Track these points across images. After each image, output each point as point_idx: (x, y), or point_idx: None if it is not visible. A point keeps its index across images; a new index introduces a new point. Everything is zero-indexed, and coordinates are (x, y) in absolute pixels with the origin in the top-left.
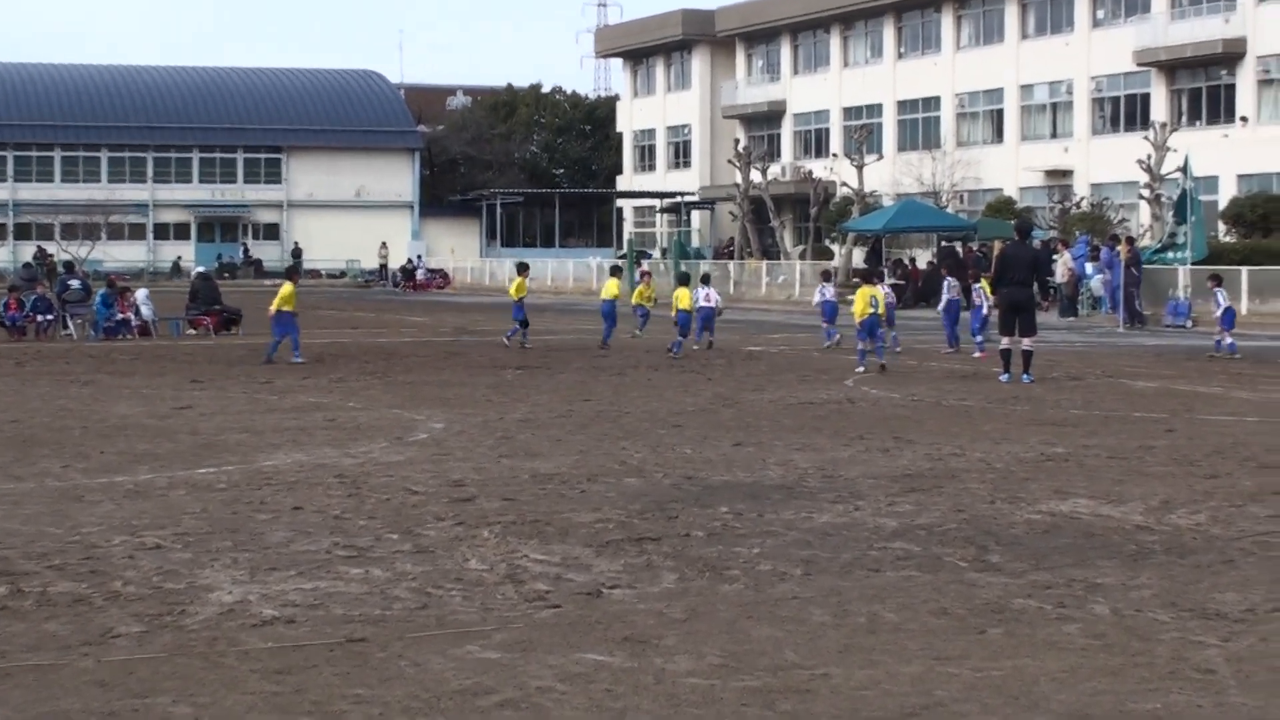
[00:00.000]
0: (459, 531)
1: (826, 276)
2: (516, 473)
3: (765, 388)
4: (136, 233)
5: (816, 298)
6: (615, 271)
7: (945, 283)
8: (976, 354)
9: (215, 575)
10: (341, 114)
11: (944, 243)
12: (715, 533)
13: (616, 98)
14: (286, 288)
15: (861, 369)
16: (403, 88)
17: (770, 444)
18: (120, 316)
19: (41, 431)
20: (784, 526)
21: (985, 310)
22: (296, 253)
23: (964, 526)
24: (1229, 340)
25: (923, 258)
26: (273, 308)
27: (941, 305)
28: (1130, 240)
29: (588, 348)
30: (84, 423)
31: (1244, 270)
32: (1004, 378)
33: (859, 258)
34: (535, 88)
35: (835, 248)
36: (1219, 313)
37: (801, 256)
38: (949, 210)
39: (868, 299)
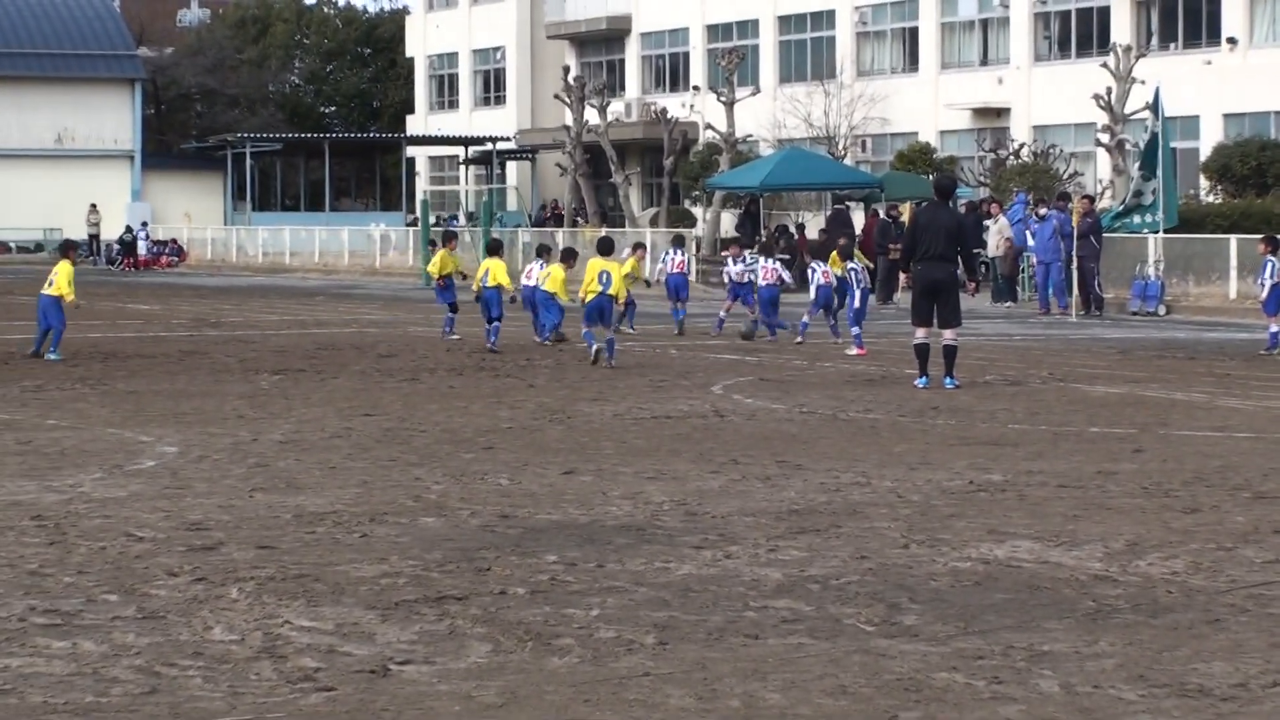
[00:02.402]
0: (199, 590)
1: (679, 243)
2: (276, 512)
3: (606, 396)
4: None
5: (719, 267)
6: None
7: (811, 269)
8: (852, 350)
9: None
10: (36, 32)
11: (840, 205)
12: (540, 589)
13: (405, 11)
14: (68, 268)
15: (593, 349)
16: None
17: (614, 471)
18: None
19: None
20: (632, 580)
21: (859, 297)
22: None
23: (869, 579)
24: (1274, 329)
25: (814, 224)
26: (68, 294)
27: (811, 296)
28: (1087, 200)
29: (368, 345)
30: None
31: (1232, 240)
32: (920, 382)
33: (729, 224)
34: None
35: (698, 211)
36: (1264, 293)
37: (653, 222)
38: (847, 162)
39: (596, 274)
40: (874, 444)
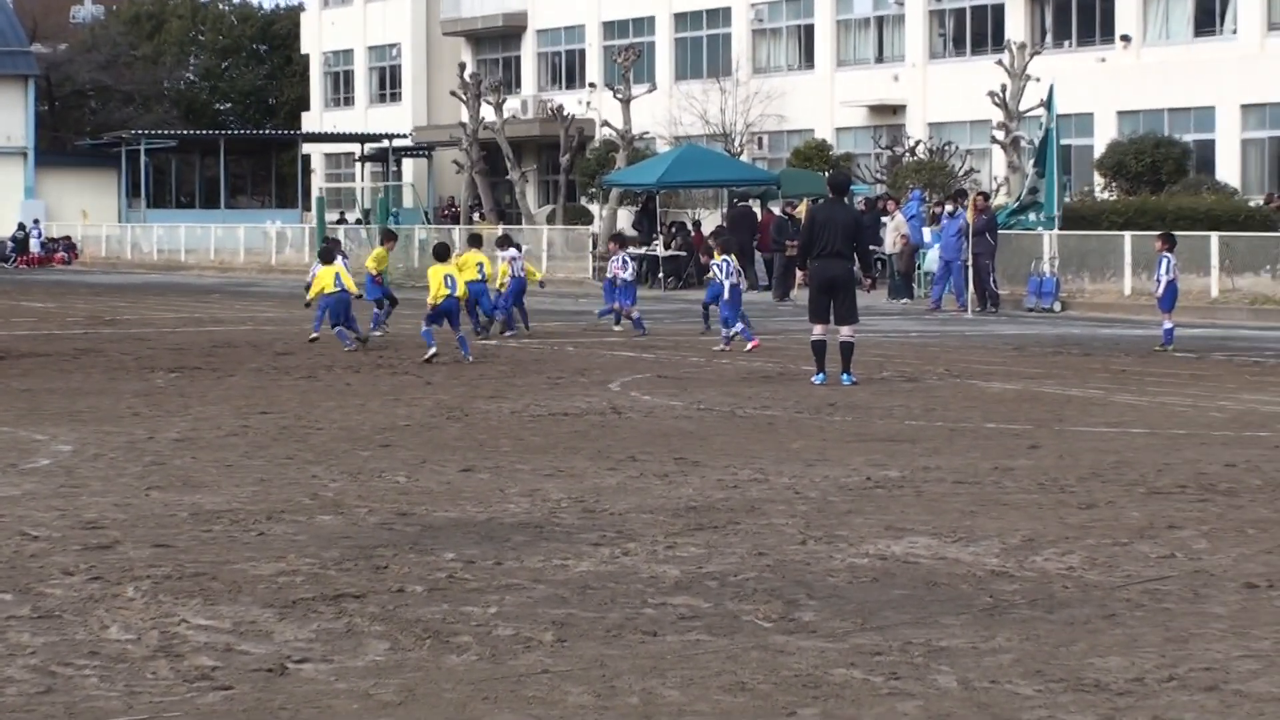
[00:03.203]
0: (94, 589)
1: (618, 245)
2: (172, 510)
3: (504, 394)
4: None
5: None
6: (475, 242)
7: (721, 264)
8: (722, 346)
9: None
10: None
11: (737, 201)
12: (439, 587)
13: (301, 8)
14: None
15: (434, 350)
16: None
17: (511, 469)
18: None
19: None
20: (530, 578)
21: (728, 291)
22: None
23: (767, 575)
24: (1168, 325)
25: (710, 221)
26: None
27: (725, 295)
28: (982, 197)
29: (265, 343)
30: None
31: (1127, 236)
32: (817, 379)
33: (625, 220)
34: None
35: (594, 208)
36: (1159, 289)
37: (550, 220)
38: (744, 159)
39: (442, 279)
40: (771, 441)
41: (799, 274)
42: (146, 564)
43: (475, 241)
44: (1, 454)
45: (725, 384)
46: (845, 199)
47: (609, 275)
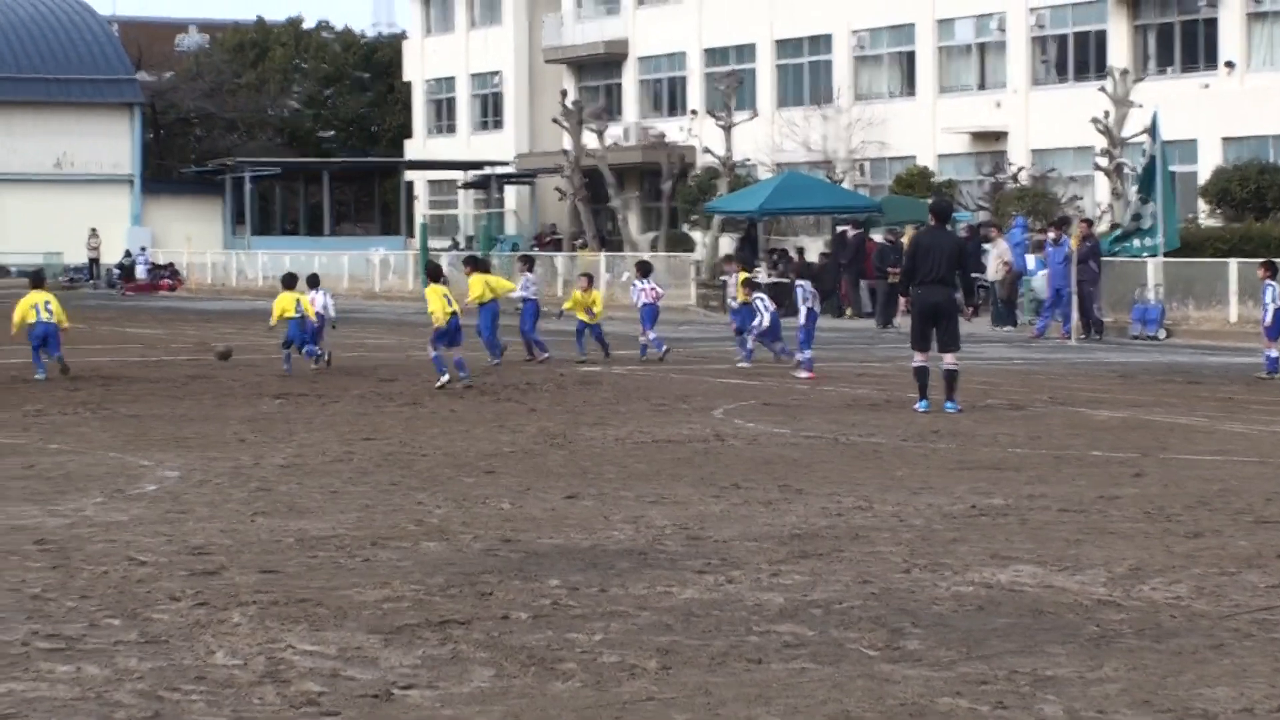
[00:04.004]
0: (201, 614)
1: (645, 271)
2: (278, 536)
3: (608, 421)
4: None
5: (634, 296)
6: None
7: (799, 290)
8: (742, 363)
9: None
10: (35, 57)
11: (842, 228)
12: (543, 614)
13: (403, 36)
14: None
15: (444, 379)
16: (117, 22)
17: (616, 496)
18: None
19: None
20: (635, 605)
21: (765, 321)
22: None
23: (872, 603)
24: (1272, 353)
25: (813, 248)
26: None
27: (801, 317)
28: (1086, 224)
29: (370, 369)
30: None
31: (1232, 263)
32: (921, 406)
33: (728, 248)
34: (295, 23)
35: (696, 235)
36: (1267, 317)
37: (652, 246)
38: (845, 185)
39: (443, 298)
40: (876, 468)
41: (901, 301)
42: (253, 589)
43: (482, 266)
44: (109, 479)
45: (830, 411)
46: (947, 225)
47: (730, 297)
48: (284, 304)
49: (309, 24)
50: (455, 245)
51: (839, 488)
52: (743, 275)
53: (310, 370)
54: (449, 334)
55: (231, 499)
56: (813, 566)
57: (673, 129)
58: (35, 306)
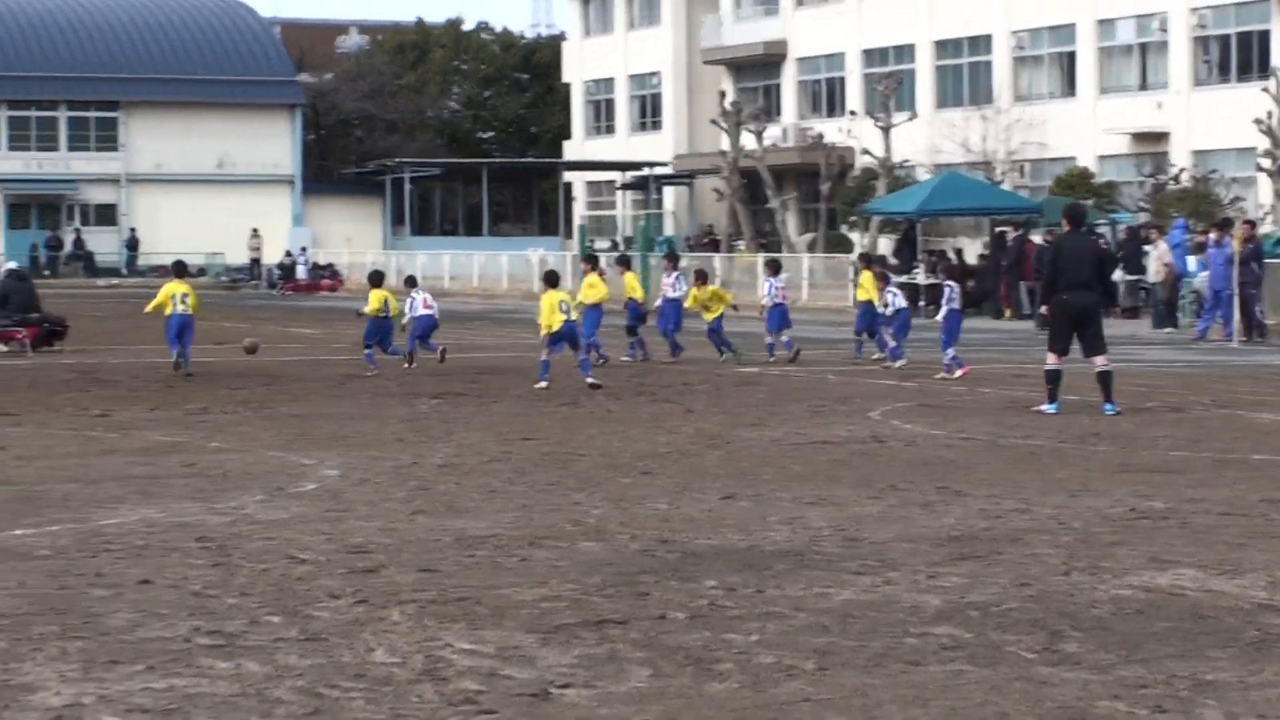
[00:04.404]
0: (360, 612)
1: (775, 269)
2: (436, 535)
3: (765, 422)
4: None
5: (767, 295)
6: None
7: (946, 289)
8: (891, 364)
9: (38, 670)
10: (198, 58)
11: (1001, 229)
12: (700, 614)
13: (562, 37)
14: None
15: (544, 384)
16: (278, 24)
17: (773, 497)
18: None
19: None
20: (791, 606)
21: (889, 312)
22: (133, 244)
23: (1030, 606)
24: None
25: (972, 249)
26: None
27: (941, 315)
28: (1249, 226)
29: (528, 369)
30: None
31: None
32: (1050, 408)
33: (886, 248)
34: (454, 24)
35: (855, 236)
36: None
37: (810, 247)
38: (1005, 186)
39: (556, 304)
40: (1035, 470)
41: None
42: (412, 588)
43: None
44: (271, 478)
45: (987, 412)
46: (1083, 229)
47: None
48: (376, 301)
49: (468, 25)
50: (614, 245)
51: (997, 490)
52: (865, 274)
53: (404, 369)
54: (564, 338)
55: (391, 498)
56: (970, 568)
57: (831, 130)
58: (173, 297)
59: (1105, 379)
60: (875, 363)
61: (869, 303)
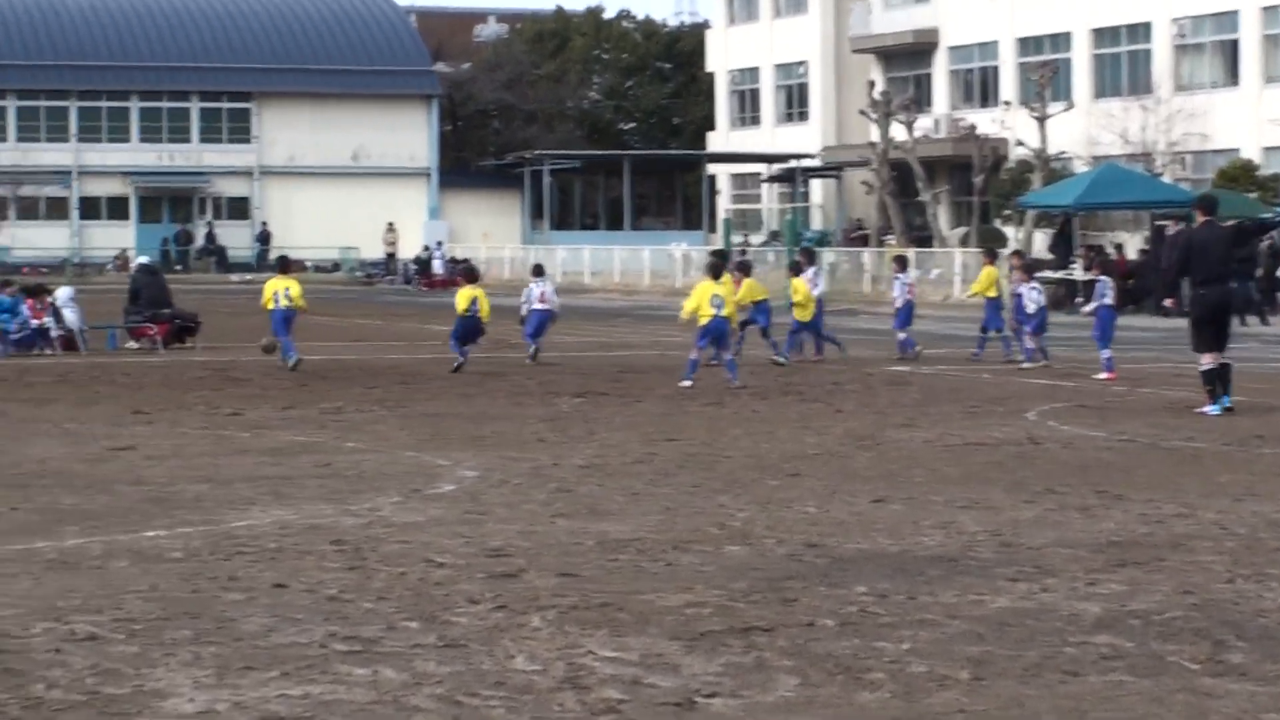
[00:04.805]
0: (500, 618)
1: (902, 265)
2: (578, 538)
3: (917, 423)
4: (56, 210)
5: (897, 292)
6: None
7: (1098, 285)
8: (1027, 364)
9: (171, 676)
10: (332, 49)
11: (1162, 224)
12: (850, 621)
13: (706, 26)
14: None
15: (688, 383)
16: (415, 13)
17: (925, 500)
18: (35, 324)
19: None
20: (945, 613)
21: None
22: (264, 237)
23: (1193, 614)
24: None
25: (1132, 244)
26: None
27: (1090, 308)
28: None
29: (672, 368)
30: None
31: None
32: (1214, 409)
33: (1042, 243)
34: (595, 13)
35: (1009, 230)
36: None
37: (963, 242)
38: (1165, 179)
39: (709, 297)
40: (1197, 473)
41: (1168, 302)
42: (552, 593)
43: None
44: (407, 479)
45: (1147, 414)
46: (1218, 220)
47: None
48: (464, 300)
49: (609, 13)
50: (746, 242)
51: (1158, 494)
52: (987, 269)
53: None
54: (712, 334)
55: (531, 500)
56: (1131, 575)
57: (984, 121)
58: (276, 292)
59: (1228, 371)
60: (1009, 363)
61: (994, 299)
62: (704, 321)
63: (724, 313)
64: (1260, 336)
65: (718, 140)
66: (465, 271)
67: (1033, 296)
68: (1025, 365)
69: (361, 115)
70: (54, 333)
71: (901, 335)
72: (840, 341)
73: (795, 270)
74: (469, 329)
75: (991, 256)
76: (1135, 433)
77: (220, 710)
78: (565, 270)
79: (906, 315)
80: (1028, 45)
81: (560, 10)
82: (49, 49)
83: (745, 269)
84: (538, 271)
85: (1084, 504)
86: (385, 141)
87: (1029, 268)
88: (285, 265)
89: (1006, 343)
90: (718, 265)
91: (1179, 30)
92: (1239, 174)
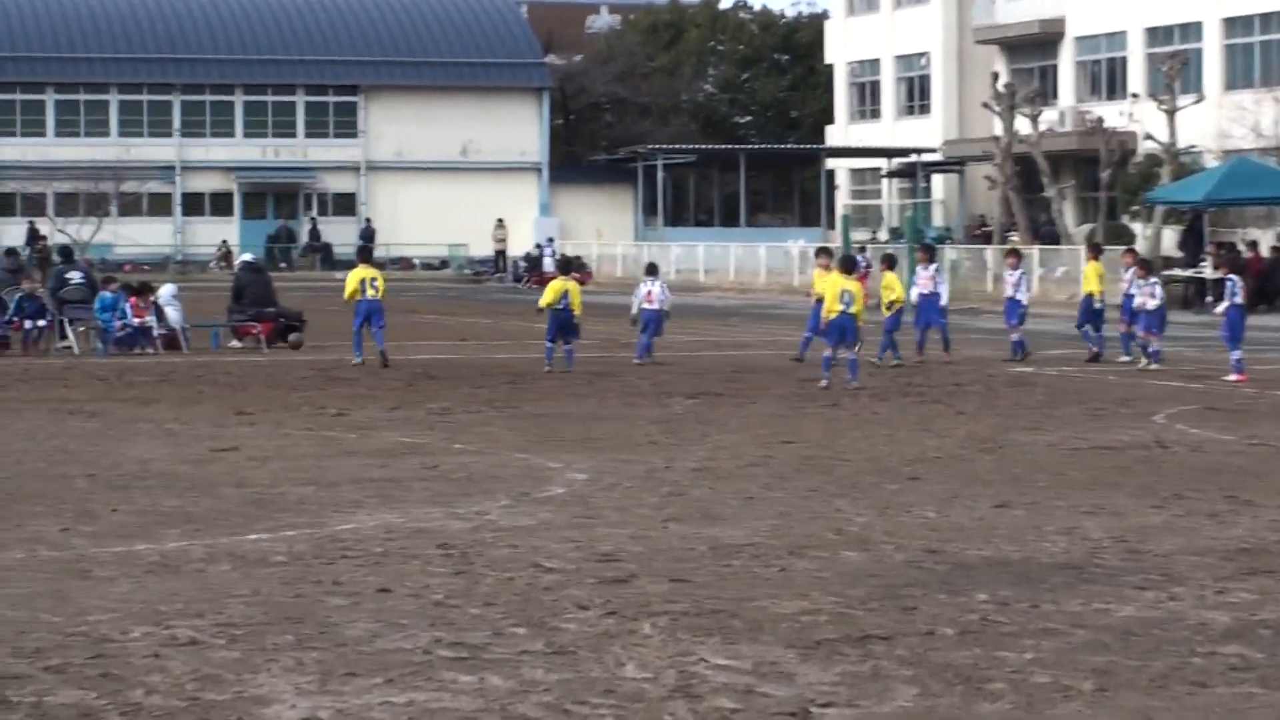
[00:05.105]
0: (610, 625)
1: (1016, 259)
2: (690, 543)
3: (1041, 426)
4: (159, 206)
5: (1010, 290)
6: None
7: (1228, 284)
8: (1149, 364)
9: (273, 682)
10: (441, 40)
11: None
12: (970, 629)
13: (825, 16)
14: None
15: (824, 383)
16: (525, 4)
17: (1049, 505)
18: (138, 323)
19: (31, 481)
20: (1069, 622)
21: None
22: (368, 234)
23: None
24: None
25: (1265, 240)
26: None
27: (1221, 308)
28: None
29: (788, 369)
30: (89, 469)
31: None
32: None
33: (1171, 241)
34: (710, 3)
35: (1137, 227)
36: None
37: (1089, 239)
38: None
39: (838, 293)
40: None
41: None
42: (664, 599)
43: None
44: (516, 482)
45: None
46: None
47: (1137, 303)
48: (552, 294)
49: (725, 4)
50: (873, 238)
51: None
52: (1091, 265)
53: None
54: (840, 330)
55: (642, 504)
56: (1262, 584)
57: (1111, 113)
58: (363, 282)
59: None
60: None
61: (1090, 296)
62: (831, 317)
63: (852, 310)
64: None
65: (836, 134)
66: (559, 264)
67: (1151, 294)
68: (1149, 366)
69: (471, 109)
70: (156, 331)
71: (1013, 336)
72: (896, 346)
73: (889, 264)
74: (562, 324)
75: (1096, 252)
76: (1267, 436)
77: (323, 717)
78: (679, 268)
79: (1017, 311)
80: (1157, 35)
81: (675, 1)
82: (152, 42)
83: (891, 263)
84: (650, 270)
85: (1213, 510)
86: (495, 135)
87: (1144, 265)
88: (368, 255)
89: (1125, 341)
90: (851, 260)
91: None
92: None
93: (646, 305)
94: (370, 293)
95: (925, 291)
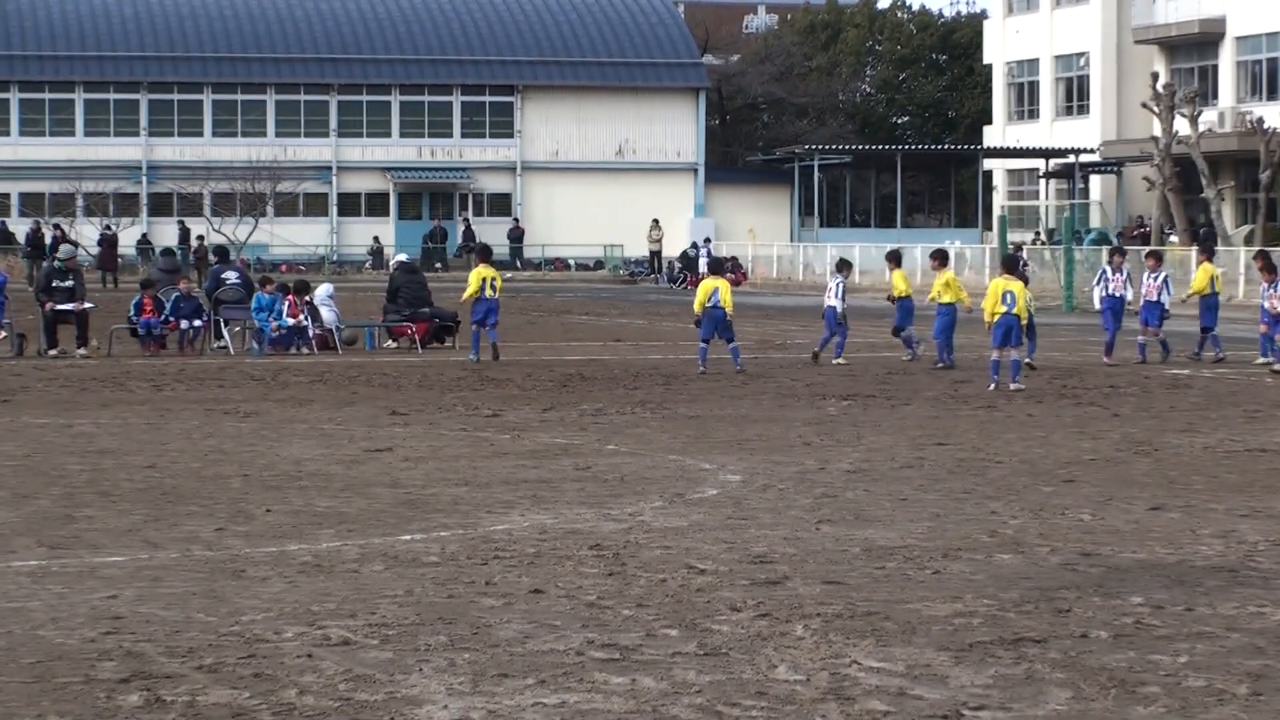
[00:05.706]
0: (762, 626)
1: (1120, 258)
2: (843, 545)
3: (1197, 428)
4: (315, 206)
5: (1099, 289)
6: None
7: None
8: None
9: (425, 683)
10: (598, 40)
11: None
12: (1124, 633)
13: (983, 16)
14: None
15: (993, 386)
16: (683, 4)
17: (1204, 508)
18: (292, 323)
19: (187, 481)
20: (1224, 626)
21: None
22: (517, 235)
23: None
24: None
25: None
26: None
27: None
28: None
29: (942, 371)
30: (244, 470)
31: None
32: None
33: None
34: (869, 3)
35: None
36: None
37: (1248, 240)
38: None
39: (1000, 294)
40: None
41: None
42: (816, 601)
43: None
44: (669, 483)
45: None
46: None
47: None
48: (702, 294)
49: (883, 4)
50: (1037, 237)
51: None
52: (1204, 267)
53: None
54: (1003, 329)
55: (795, 505)
56: None
57: (1272, 114)
58: (484, 281)
59: None
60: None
61: (1208, 296)
62: (994, 319)
63: (1015, 310)
64: None
65: (994, 134)
66: (709, 264)
67: None
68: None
69: (627, 109)
70: (311, 332)
71: (1140, 339)
72: (916, 343)
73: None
74: (716, 322)
75: (1209, 254)
76: None
77: (474, 718)
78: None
79: (1155, 313)
80: None
81: (833, 1)
82: (309, 43)
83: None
84: (839, 266)
85: None
86: (651, 136)
87: (1271, 267)
88: (487, 254)
89: (1264, 343)
90: (1013, 259)
91: None
92: None
93: (828, 301)
94: (489, 293)
95: (1149, 300)
